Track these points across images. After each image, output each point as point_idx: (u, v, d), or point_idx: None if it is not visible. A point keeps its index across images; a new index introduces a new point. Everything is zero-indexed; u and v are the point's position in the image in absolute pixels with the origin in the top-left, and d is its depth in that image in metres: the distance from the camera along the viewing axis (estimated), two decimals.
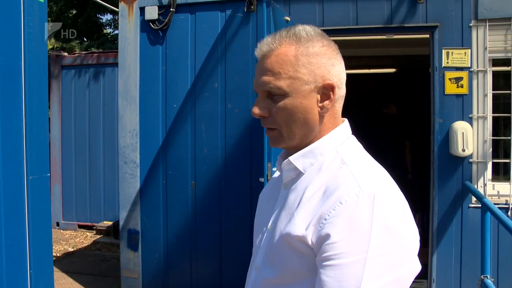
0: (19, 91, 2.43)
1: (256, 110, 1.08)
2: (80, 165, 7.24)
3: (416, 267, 0.95)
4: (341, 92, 1.08)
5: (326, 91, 1.05)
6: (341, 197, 0.95)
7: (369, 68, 7.25)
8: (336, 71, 1.06)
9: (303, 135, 1.07)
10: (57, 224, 7.28)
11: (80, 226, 7.28)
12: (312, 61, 1.04)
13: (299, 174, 1.09)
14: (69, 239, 6.77)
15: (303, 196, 1.03)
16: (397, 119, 5.96)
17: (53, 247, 5.32)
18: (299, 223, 0.99)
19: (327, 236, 0.92)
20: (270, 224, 1.11)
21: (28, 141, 2.46)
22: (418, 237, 1.00)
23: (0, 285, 2.29)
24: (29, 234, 2.46)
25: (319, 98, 1.05)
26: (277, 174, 1.24)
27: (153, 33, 4.21)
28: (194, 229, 4.13)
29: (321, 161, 1.06)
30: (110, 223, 6.86)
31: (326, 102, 1.05)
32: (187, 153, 4.13)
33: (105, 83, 7.19)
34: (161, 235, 4.21)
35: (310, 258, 0.97)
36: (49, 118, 6.78)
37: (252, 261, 1.19)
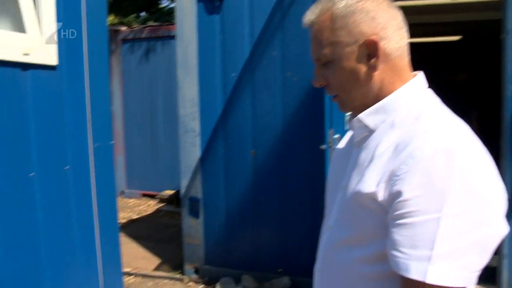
0: (81, 62, 2.49)
1: (314, 81, 1.10)
2: (142, 136, 7.46)
3: (502, 229, 0.87)
4: (391, 44, 1.00)
5: (371, 47, 0.99)
6: (413, 152, 0.88)
7: (433, 36, 6.90)
8: (378, 24, 0.99)
9: (361, 96, 1.04)
10: (122, 192, 7.59)
11: (143, 195, 7.56)
12: (349, 21, 0.99)
13: (370, 132, 1.04)
14: (133, 207, 7.06)
15: (374, 154, 0.98)
16: (463, 87, 5.68)
17: (119, 214, 5.54)
18: (370, 180, 0.95)
19: (399, 193, 0.87)
20: (343, 184, 1.08)
21: (92, 111, 2.54)
22: (504, 196, 0.90)
23: (74, 248, 2.41)
24: (97, 199, 2.56)
25: (365, 56, 1.01)
26: (350, 133, 1.20)
27: (209, 2, 4.18)
28: (255, 196, 4.15)
29: (393, 117, 1.01)
30: (172, 191, 7.05)
31: (373, 59, 1.00)
32: (246, 122, 4.12)
33: (163, 55, 7.29)
34: (222, 202, 4.27)
35: (382, 216, 0.93)
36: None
37: (325, 222, 1.16)
